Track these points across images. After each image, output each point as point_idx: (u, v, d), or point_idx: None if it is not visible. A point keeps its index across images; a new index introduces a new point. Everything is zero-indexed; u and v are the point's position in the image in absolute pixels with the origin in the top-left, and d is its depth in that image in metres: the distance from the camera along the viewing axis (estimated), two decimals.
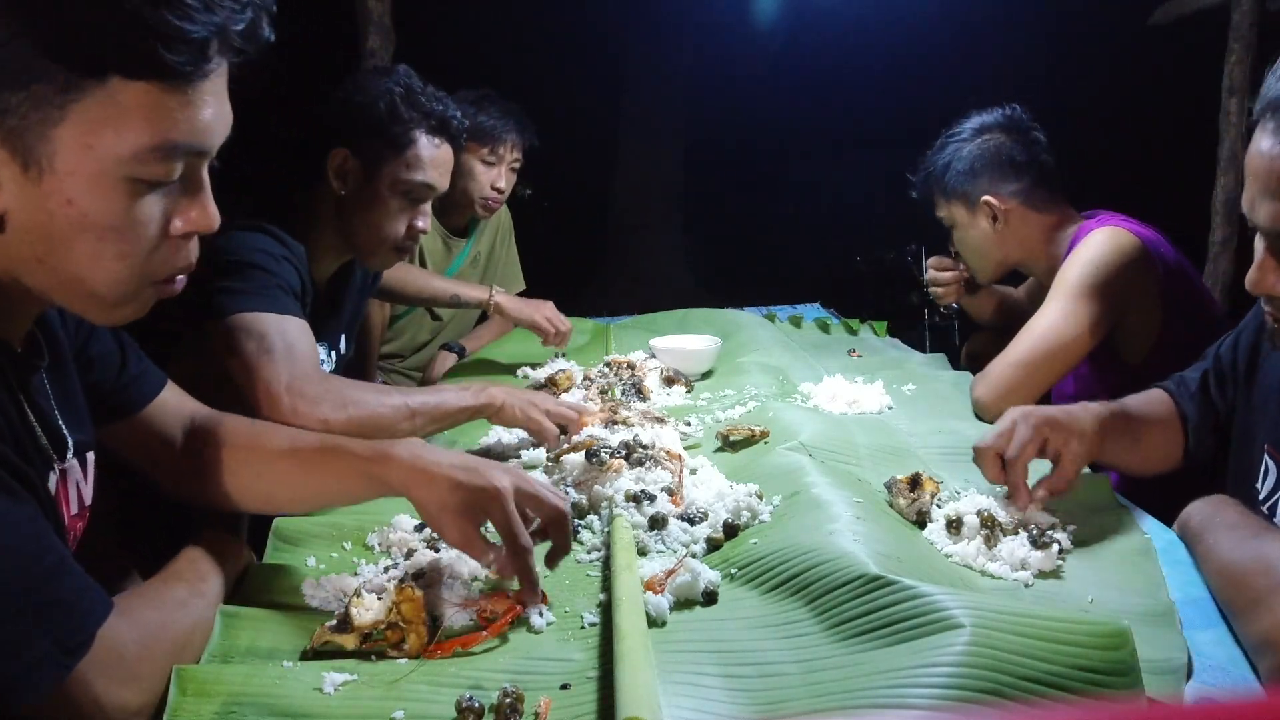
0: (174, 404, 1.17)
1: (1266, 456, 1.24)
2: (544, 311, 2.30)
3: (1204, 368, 1.43)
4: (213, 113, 0.81)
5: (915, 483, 1.26)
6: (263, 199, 1.65)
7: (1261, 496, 1.24)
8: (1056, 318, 1.77)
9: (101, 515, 1.18)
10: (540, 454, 1.51)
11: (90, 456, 1.02)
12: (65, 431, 0.96)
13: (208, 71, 0.78)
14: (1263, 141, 1.01)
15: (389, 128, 1.64)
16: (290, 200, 1.70)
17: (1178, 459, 1.43)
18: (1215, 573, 1.06)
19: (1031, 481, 1.25)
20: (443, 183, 1.73)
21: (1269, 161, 1.00)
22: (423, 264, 2.62)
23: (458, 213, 2.65)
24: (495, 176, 2.56)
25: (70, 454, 0.96)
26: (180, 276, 0.89)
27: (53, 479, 0.94)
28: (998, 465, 1.26)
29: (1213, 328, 1.67)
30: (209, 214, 0.86)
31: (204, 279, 1.46)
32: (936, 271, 2.25)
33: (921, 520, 1.23)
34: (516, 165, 2.61)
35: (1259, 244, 1.08)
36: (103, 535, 1.47)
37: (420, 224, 1.72)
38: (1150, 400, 1.47)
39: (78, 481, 0.99)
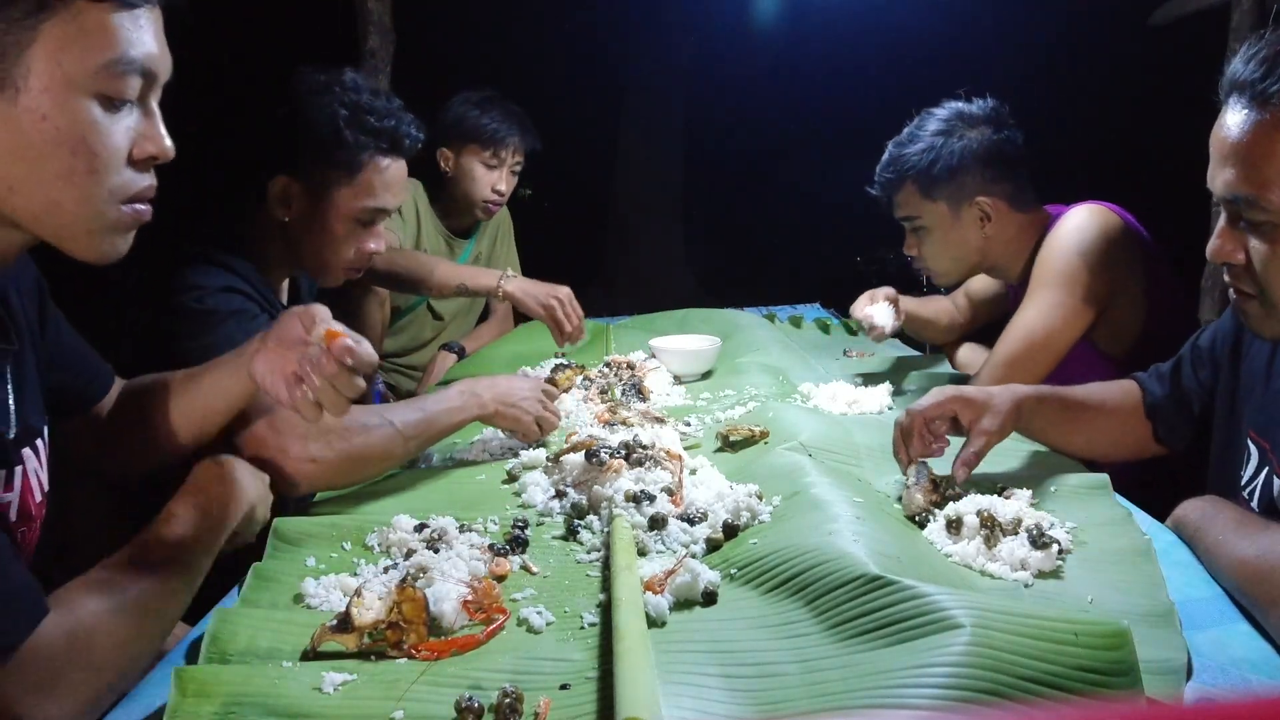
0: (112, 391, 1.24)
1: (1249, 441, 1.25)
2: (559, 295, 2.13)
3: (1179, 354, 1.45)
4: (157, 43, 0.90)
5: (936, 485, 1.26)
6: (208, 222, 1.60)
7: (1244, 482, 1.24)
8: (1041, 309, 1.75)
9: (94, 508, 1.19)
10: (540, 454, 1.51)
11: (41, 444, 1.03)
12: (22, 419, 0.97)
13: (153, 1, 0.89)
14: (1224, 117, 1.09)
15: (333, 153, 1.52)
16: (234, 221, 1.61)
17: (1148, 447, 1.46)
18: (1233, 568, 1.06)
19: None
20: (397, 201, 1.63)
21: (1226, 132, 1.08)
22: None
23: (459, 215, 2.65)
24: (496, 180, 2.56)
25: (23, 444, 0.98)
26: (144, 206, 0.94)
27: (18, 473, 0.95)
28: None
29: (1194, 322, 1.67)
30: (164, 140, 0.93)
31: (167, 331, 1.42)
32: (870, 313, 2.06)
33: (922, 520, 1.23)
34: (518, 168, 2.61)
35: (1220, 216, 1.15)
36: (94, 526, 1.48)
37: (372, 245, 1.62)
38: (1110, 388, 1.49)
39: (35, 470, 1.00)
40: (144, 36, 0.88)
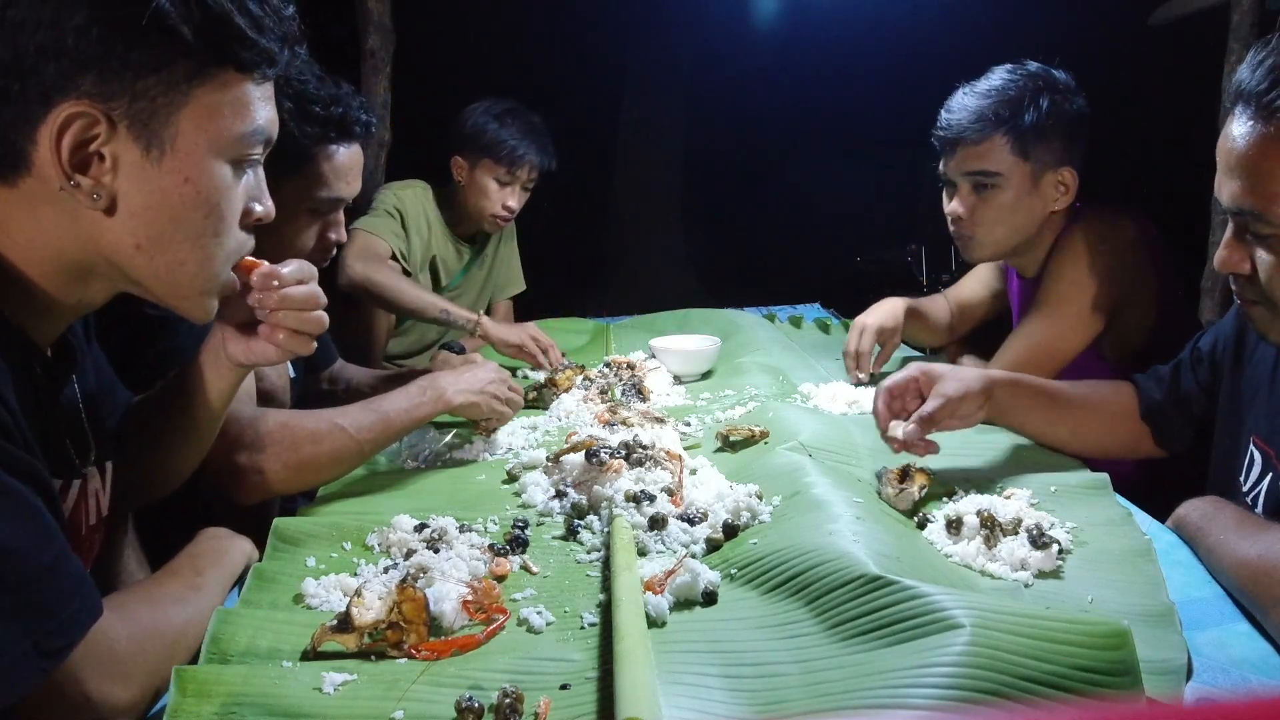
0: None
1: (1253, 447, 1.25)
2: (530, 333, 2.24)
3: (1179, 358, 1.45)
4: (273, 110, 0.95)
5: (905, 474, 1.28)
6: None
7: (1246, 488, 1.25)
8: (1052, 321, 1.75)
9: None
10: (540, 455, 1.51)
11: (109, 466, 1.03)
12: (91, 439, 0.97)
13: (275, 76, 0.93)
14: (1230, 127, 1.09)
15: (280, 146, 1.51)
16: None
17: (1139, 447, 1.47)
18: (1233, 568, 1.05)
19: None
20: (353, 189, 1.60)
21: (1232, 144, 1.08)
22: (435, 270, 2.63)
23: (468, 223, 2.65)
24: (507, 196, 2.55)
25: (92, 462, 0.98)
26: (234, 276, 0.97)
27: (75, 486, 0.95)
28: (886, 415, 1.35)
29: (1196, 325, 1.67)
30: (269, 201, 0.98)
31: (128, 341, 1.35)
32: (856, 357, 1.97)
33: (922, 520, 1.23)
34: (531, 185, 2.61)
35: (1227, 226, 1.15)
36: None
37: (333, 236, 1.59)
38: (1099, 387, 1.50)
39: (96, 491, 1.00)
40: (270, 106, 0.93)
